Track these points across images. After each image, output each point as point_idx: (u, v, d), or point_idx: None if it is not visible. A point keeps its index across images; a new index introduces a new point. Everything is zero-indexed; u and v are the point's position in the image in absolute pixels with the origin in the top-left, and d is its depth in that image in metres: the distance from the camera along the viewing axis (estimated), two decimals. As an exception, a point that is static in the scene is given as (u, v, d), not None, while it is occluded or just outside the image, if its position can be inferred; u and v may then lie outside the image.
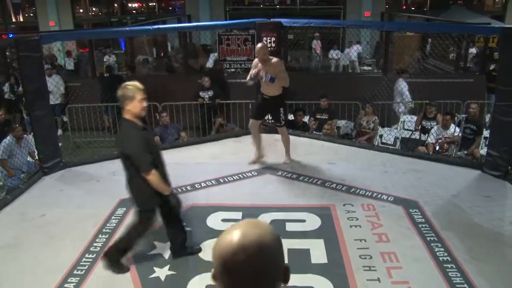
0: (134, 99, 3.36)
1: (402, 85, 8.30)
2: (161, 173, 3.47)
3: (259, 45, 5.50)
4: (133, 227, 3.59)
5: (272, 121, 5.98)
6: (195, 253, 3.81)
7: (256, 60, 5.53)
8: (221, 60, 9.70)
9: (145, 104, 3.41)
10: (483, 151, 6.42)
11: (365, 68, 13.01)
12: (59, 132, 8.61)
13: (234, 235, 1.15)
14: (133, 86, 3.42)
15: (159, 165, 3.48)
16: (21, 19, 17.62)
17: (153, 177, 3.34)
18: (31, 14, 17.19)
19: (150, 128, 3.48)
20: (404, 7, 17.04)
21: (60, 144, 6.17)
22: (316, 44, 13.69)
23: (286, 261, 1.16)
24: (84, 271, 3.63)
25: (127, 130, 3.40)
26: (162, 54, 13.63)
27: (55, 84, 8.77)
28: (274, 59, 5.43)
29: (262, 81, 5.42)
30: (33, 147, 6.12)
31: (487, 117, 7.76)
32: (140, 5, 17.56)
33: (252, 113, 5.88)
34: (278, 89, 5.49)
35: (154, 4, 17.45)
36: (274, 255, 1.13)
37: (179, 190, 5.06)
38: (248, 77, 5.47)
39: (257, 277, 1.11)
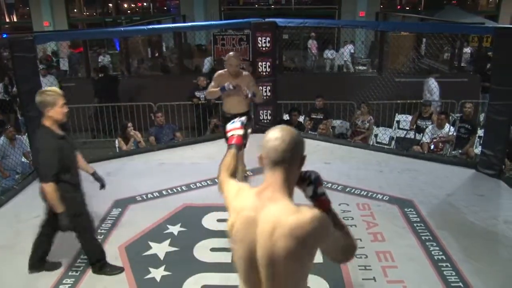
0: (55, 105, 3.21)
1: (433, 85, 8.37)
2: (73, 182, 3.40)
3: (232, 54, 4.86)
4: (79, 237, 3.51)
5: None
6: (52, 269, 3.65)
7: (222, 71, 4.88)
8: (215, 60, 9.68)
9: (66, 109, 3.29)
10: (477, 150, 6.45)
11: (360, 68, 13.03)
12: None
13: (274, 129, 1.70)
14: (53, 91, 3.28)
15: (72, 175, 3.40)
16: (15, 19, 17.56)
17: (49, 189, 3.22)
18: (25, 15, 17.13)
19: (69, 135, 3.36)
20: (399, 7, 17.10)
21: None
22: (312, 44, 13.70)
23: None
24: (79, 272, 3.62)
25: (41, 137, 3.28)
26: (157, 54, 13.61)
27: (49, 85, 8.73)
28: (246, 72, 4.95)
29: (241, 96, 4.76)
30: (28, 148, 6.10)
31: (482, 117, 7.80)
32: (140, 4, 17.50)
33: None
34: (247, 105, 4.98)
35: (148, 4, 17.42)
36: (297, 144, 1.68)
37: (175, 190, 5.06)
38: (214, 88, 4.81)
39: (285, 155, 1.65)
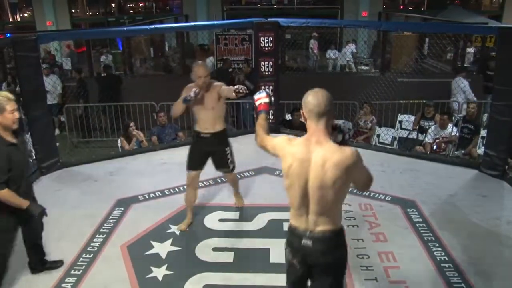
0: (4, 110, 3.03)
1: (463, 84, 8.31)
2: (22, 190, 3.20)
3: (200, 63, 4.14)
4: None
5: (216, 167, 4.39)
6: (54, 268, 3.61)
7: (191, 85, 4.15)
8: (218, 60, 9.70)
9: (17, 115, 3.11)
10: (480, 150, 6.43)
11: (363, 67, 13.02)
12: (56, 132, 8.58)
13: (313, 91, 2.31)
14: (3, 96, 3.09)
15: (21, 182, 3.21)
16: (18, 19, 17.60)
17: (5, 194, 3.05)
18: (28, 14, 17.17)
19: (21, 141, 3.21)
20: (402, 6, 17.07)
21: (57, 144, 6.15)
22: (314, 44, 13.69)
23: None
24: (81, 271, 3.63)
25: None
26: (160, 54, 13.62)
27: (52, 84, 8.76)
28: (217, 82, 4.15)
29: (213, 111, 4.08)
30: (29, 147, 6.10)
31: (484, 117, 7.78)
32: (142, 4, 17.51)
33: (189, 163, 4.31)
34: (223, 122, 4.24)
35: (151, 4, 17.44)
36: (332, 101, 2.28)
37: (177, 190, 5.06)
38: (186, 98, 3.98)
39: (325, 109, 2.24)
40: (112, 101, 8.82)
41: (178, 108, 4.10)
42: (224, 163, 4.27)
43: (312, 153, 2.25)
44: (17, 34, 6.05)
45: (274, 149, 2.50)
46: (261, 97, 2.86)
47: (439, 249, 3.86)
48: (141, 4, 17.84)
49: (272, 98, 3.08)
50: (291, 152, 2.33)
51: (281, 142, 2.44)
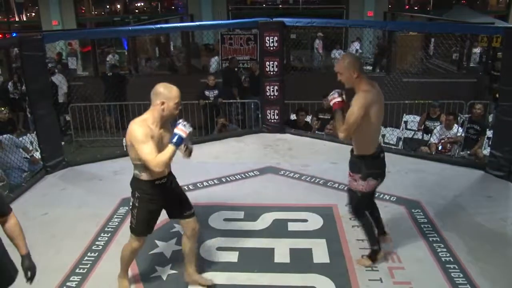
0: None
1: None
2: None
3: (175, 88, 3.08)
4: None
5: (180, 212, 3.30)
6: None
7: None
8: (224, 59, 9.70)
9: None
10: (486, 151, 6.41)
11: (368, 68, 12.99)
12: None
13: (349, 55, 3.66)
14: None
15: None
16: (24, 19, 17.67)
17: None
18: (34, 14, 17.24)
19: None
20: (407, 6, 17.01)
21: (62, 143, 6.17)
22: (319, 44, 13.68)
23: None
24: (86, 270, 3.64)
25: None
26: (165, 53, 13.65)
27: (57, 83, 8.79)
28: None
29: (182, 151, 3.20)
30: (21, 143, 6.09)
31: (490, 117, 7.76)
32: (148, 4, 17.54)
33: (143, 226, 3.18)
34: None
35: (156, 3, 17.47)
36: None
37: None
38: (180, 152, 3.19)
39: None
40: (118, 100, 8.85)
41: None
42: (188, 205, 3.33)
43: (378, 91, 3.31)
44: (23, 33, 6.08)
45: (362, 113, 3.16)
46: (334, 97, 3.30)
47: (444, 249, 3.85)
48: (146, 4, 17.86)
49: (344, 96, 3.34)
50: (371, 96, 3.19)
51: (365, 99, 3.17)
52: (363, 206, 3.55)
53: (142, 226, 3.16)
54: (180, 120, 2.92)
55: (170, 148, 2.84)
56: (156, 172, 2.95)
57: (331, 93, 3.30)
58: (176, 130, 2.87)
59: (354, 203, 3.51)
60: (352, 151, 3.48)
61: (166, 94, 2.92)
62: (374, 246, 3.61)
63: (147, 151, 2.80)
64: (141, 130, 2.83)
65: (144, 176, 3.01)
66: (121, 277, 3.38)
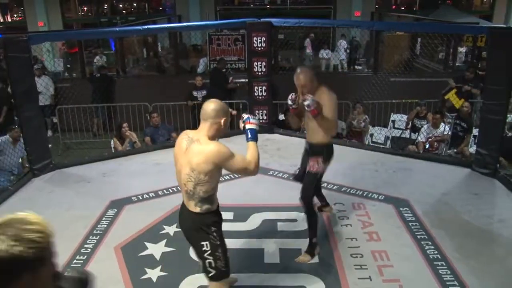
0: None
1: None
2: None
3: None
4: None
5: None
6: None
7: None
8: (211, 60, 9.69)
9: None
10: (472, 149, 6.48)
11: (356, 67, 13.07)
12: (49, 133, 8.55)
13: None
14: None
15: None
16: (9, 20, 17.48)
17: None
18: (20, 15, 17.06)
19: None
20: (394, 6, 17.13)
21: (50, 145, 6.12)
22: (308, 44, 13.72)
23: None
24: (74, 273, 3.61)
25: None
26: (153, 54, 13.59)
27: (44, 85, 8.71)
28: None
29: None
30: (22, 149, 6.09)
31: (475, 116, 7.85)
32: (135, 5, 17.44)
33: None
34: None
35: (144, 4, 17.39)
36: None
37: (171, 190, 5.06)
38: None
39: None
40: (105, 102, 8.79)
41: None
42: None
43: None
44: (8, 34, 6.01)
45: (336, 109, 3.62)
46: (310, 106, 3.41)
47: (432, 247, 3.89)
48: (134, 5, 17.77)
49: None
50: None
51: (335, 98, 3.64)
52: (314, 188, 3.80)
53: (228, 261, 2.80)
54: (245, 115, 2.90)
55: (252, 146, 2.81)
56: (216, 200, 2.81)
57: (308, 101, 3.41)
58: (248, 126, 2.84)
59: (308, 186, 3.74)
60: (310, 141, 3.79)
61: (225, 110, 2.75)
62: (314, 238, 3.76)
63: (241, 160, 2.70)
64: (221, 146, 2.63)
65: (206, 208, 2.73)
66: None
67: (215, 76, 9.07)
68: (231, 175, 5.43)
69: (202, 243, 2.69)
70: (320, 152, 3.70)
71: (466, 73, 7.79)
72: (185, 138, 2.72)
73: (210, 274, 2.74)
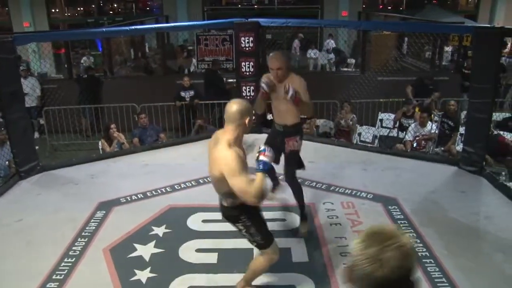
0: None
1: None
2: None
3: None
4: None
5: None
6: None
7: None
8: (199, 61, 9.66)
9: None
10: (459, 147, 6.54)
11: (345, 68, 13.12)
12: (36, 135, 8.48)
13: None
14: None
15: None
16: (-6, 20, 17.25)
17: None
18: (5, 15, 16.83)
19: None
20: (381, 6, 17.24)
21: (37, 147, 6.06)
22: (297, 44, 13.75)
23: None
24: (63, 275, 3.58)
25: None
26: (140, 55, 13.53)
27: (30, 87, 8.63)
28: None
29: None
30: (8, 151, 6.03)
31: (462, 115, 7.93)
32: (122, 5, 17.33)
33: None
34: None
35: (131, 4, 17.29)
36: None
37: (159, 191, 5.04)
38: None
39: None
40: (93, 103, 8.74)
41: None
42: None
43: None
44: (-7, 35, 5.92)
45: None
46: (292, 95, 3.65)
47: (421, 245, 3.92)
48: (121, 5, 17.66)
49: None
50: None
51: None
52: (297, 164, 4.06)
53: (268, 234, 3.09)
54: (263, 146, 2.87)
55: (260, 176, 2.75)
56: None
57: (291, 92, 3.64)
58: (262, 157, 2.79)
59: (293, 163, 4.01)
60: (284, 123, 3.94)
61: (249, 109, 2.82)
62: (304, 203, 4.15)
63: (244, 182, 2.67)
64: (235, 157, 2.68)
65: (231, 201, 2.92)
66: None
67: (209, 77, 9.06)
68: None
69: (238, 225, 3.04)
70: (296, 132, 3.93)
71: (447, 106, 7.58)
72: (214, 137, 2.90)
73: (256, 245, 3.11)
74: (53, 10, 16.51)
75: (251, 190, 2.67)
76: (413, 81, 8.57)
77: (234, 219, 3.01)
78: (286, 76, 3.78)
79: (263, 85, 3.80)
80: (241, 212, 2.94)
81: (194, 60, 11.40)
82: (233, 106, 2.78)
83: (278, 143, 3.88)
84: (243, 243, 3.96)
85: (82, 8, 17.39)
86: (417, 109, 7.58)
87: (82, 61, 12.63)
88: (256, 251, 3.29)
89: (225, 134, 2.78)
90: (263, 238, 3.05)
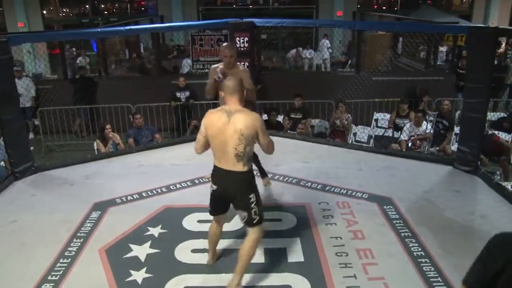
0: None
1: None
2: None
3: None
4: None
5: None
6: None
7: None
8: (194, 61, 9.66)
9: None
10: (454, 147, 6.57)
11: (340, 69, 13.14)
12: (30, 135, 8.44)
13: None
14: None
15: None
16: (-13, 21, 17.17)
17: None
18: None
19: None
20: (376, 6, 17.28)
21: (31, 148, 6.04)
22: (293, 54, 13.65)
23: None
24: (58, 276, 3.56)
25: None
26: (135, 55, 13.50)
27: (25, 87, 8.60)
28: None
29: None
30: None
31: (457, 115, 7.97)
32: (117, 5, 17.28)
33: None
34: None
35: (126, 5, 17.25)
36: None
37: (155, 192, 5.03)
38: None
39: None
40: (87, 103, 8.71)
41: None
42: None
43: None
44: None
45: None
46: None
47: (416, 244, 3.93)
48: (115, 5, 17.61)
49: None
50: None
51: None
52: None
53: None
54: None
55: None
56: None
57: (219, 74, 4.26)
58: None
59: None
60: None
61: (240, 82, 3.40)
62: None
63: (268, 135, 3.30)
64: (260, 117, 3.32)
65: (250, 165, 3.27)
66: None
67: None
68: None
69: (250, 195, 3.23)
70: None
71: (441, 106, 7.53)
72: (222, 113, 3.19)
73: (255, 221, 3.27)
74: (47, 11, 16.45)
75: (272, 143, 3.33)
76: (405, 91, 8.50)
77: (250, 185, 3.26)
78: (235, 64, 4.41)
79: (219, 74, 4.29)
80: (253, 177, 3.29)
81: (184, 61, 11.39)
82: (232, 81, 3.30)
83: None
84: (238, 243, 3.97)
85: (76, 9, 17.33)
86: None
87: (78, 61, 12.59)
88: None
89: (236, 104, 3.23)
90: (262, 210, 3.33)
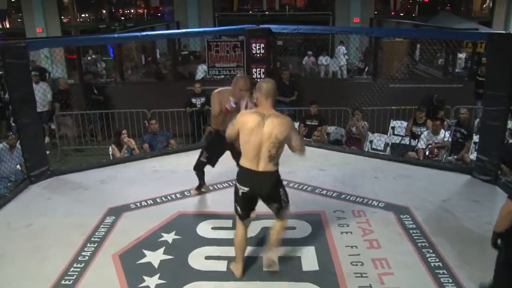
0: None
1: None
2: None
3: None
4: None
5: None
6: None
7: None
8: (210, 67, 9.66)
9: None
10: (472, 156, 6.45)
11: (357, 76, 13.06)
12: (46, 139, 8.51)
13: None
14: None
15: None
16: (8, 26, 17.47)
17: None
18: (18, 21, 17.04)
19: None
20: (393, 13, 17.16)
21: (47, 152, 6.09)
22: (308, 60, 13.62)
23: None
24: (72, 281, 3.57)
25: None
26: (151, 60, 13.59)
27: (42, 92, 8.69)
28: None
29: None
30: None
31: (476, 122, 7.83)
32: (134, 11, 17.46)
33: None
34: None
35: (142, 10, 17.41)
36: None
37: (169, 197, 5.02)
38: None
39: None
40: (97, 109, 8.78)
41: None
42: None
43: None
44: (6, 41, 5.97)
45: None
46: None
47: (433, 255, 3.85)
48: (132, 11, 17.79)
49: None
50: None
51: None
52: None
53: None
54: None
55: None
56: None
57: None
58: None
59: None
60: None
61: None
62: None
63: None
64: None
65: (277, 166, 3.43)
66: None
67: None
68: (229, 183, 5.40)
69: (280, 190, 3.49)
70: None
71: (459, 114, 7.40)
72: (257, 115, 3.29)
73: (284, 205, 3.53)
74: (65, 16, 16.67)
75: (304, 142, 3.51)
76: (422, 99, 8.38)
77: (279, 181, 3.47)
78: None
79: (232, 104, 4.15)
80: (279, 178, 3.48)
81: (199, 67, 11.40)
82: (271, 83, 3.38)
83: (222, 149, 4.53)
84: (252, 251, 3.94)
85: (94, 14, 17.54)
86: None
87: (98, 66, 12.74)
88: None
89: (270, 108, 3.32)
90: (287, 193, 3.56)
